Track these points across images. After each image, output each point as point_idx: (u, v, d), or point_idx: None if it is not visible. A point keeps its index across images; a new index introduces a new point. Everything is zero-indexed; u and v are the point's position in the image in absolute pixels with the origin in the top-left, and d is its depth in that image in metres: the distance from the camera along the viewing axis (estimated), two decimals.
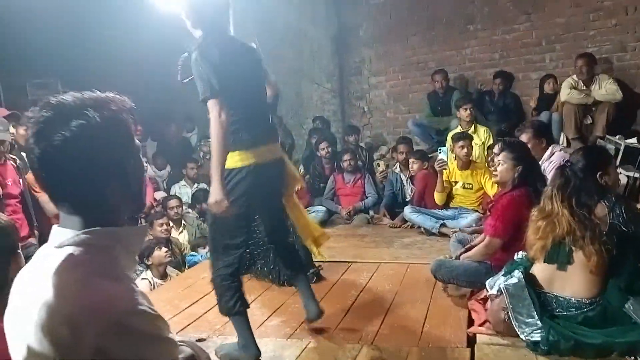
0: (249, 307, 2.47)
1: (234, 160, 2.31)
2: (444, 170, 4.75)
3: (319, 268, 3.58)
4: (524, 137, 3.72)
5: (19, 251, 1.21)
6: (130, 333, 0.90)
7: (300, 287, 2.76)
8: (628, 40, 5.57)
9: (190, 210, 5.29)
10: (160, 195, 5.36)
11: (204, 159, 6.78)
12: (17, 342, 0.93)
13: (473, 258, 3.10)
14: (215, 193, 2.21)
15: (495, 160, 3.21)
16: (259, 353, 2.40)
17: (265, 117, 2.49)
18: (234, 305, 2.40)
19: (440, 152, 4.78)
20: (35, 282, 0.92)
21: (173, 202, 4.84)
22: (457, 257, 3.23)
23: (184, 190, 5.78)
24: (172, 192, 5.69)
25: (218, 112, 2.20)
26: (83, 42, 5.73)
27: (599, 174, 2.50)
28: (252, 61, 2.45)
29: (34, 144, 0.94)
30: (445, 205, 4.87)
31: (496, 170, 3.15)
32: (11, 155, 3.83)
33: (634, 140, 4.13)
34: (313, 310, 2.66)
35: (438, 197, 4.83)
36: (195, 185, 5.85)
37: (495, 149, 3.33)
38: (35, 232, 3.77)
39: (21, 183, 3.78)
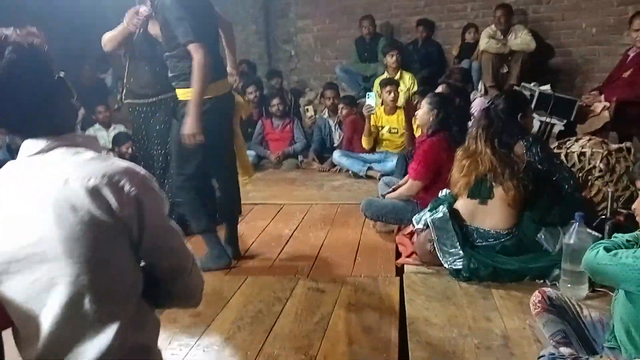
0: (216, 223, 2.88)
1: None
2: (371, 115, 4.87)
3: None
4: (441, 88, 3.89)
5: None
6: (153, 190, 1.12)
7: (229, 228, 2.94)
8: None
9: (110, 153, 5.07)
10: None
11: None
12: (46, 234, 1.03)
13: (398, 198, 3.27)
14: (192, 127, 2.48)
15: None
16: (230, 260, 2.82)
17: (219, 54, 2.76)
18: (207, 221, 2.77)
19: (368, 98, 4.87)
20: (46, 177, 1.04)
21: None
22: (384, 197, 3.41)
23: (100, 134, 5.49)
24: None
25: (203, 55, 2.42)
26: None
27: (519, 115, 2.70)
28: (210, 3, 2.70)
29: None
30: (372, 150, 5.01)
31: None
32: None
33: (547, 87, 4.43)
34: (231, 251, 2.89)
35: (365, 141, 4.95)
36: (113, 127, 5.59)
37: (441, 89, 3.53)
38: None
39: None
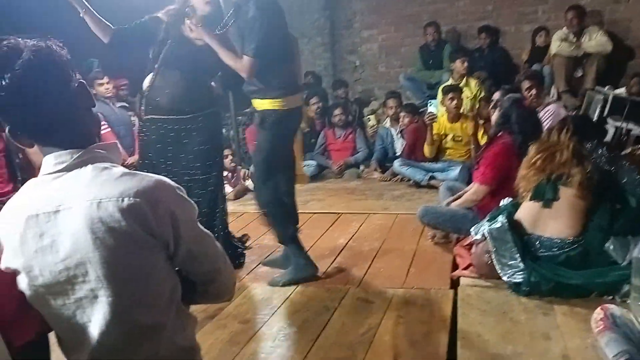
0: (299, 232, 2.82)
1: (274, 104, 2.62)
2: (433, 123, 4.76)
3: (244, 249, 3.29)
4: (525, 84, 3.75)
5: None
6: (185, 200, 1.12)
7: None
8: None
9: None
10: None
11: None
12: (81, 257, 1.03)
13: (462, 205, 3.15)
14: (202, 35, 2.64)
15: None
16: (317, 269, 2.77)
17: (297, 69, 2.86)
18: (292, 233, 2.74)
19: (430, 105, 4.77)
20: (76, 195, 1.03)
21: None
22: (447, 205, 3.29)
23: None
24: None
25: (250, 72, 2.54)
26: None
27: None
28: (285, 21, 2.70)
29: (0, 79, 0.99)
30: (435, 158, 4.89)
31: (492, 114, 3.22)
32: None
33: (622, 91, 4.13)
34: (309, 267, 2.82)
35: (427, 150, 4.85)
36: None
37: (497, 95, 3.41)
38: (19, 186, 3.73)
39: (4, 137, 3.74)
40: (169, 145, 2.84)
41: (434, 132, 4.80)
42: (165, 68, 2.75)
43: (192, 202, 1.15)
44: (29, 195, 1.09)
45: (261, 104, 2.67)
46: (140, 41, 2.76)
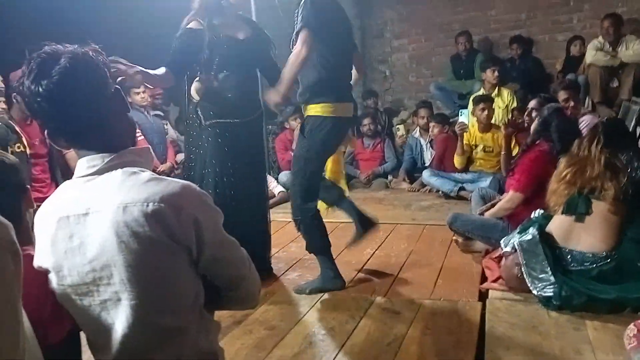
0: (331, 245, 2.76)
1: (320, 109, 2.56)
2: (464, 134, 4.72)
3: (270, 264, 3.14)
4: (562, 95, 3.70)
5: (27, 186, 1.33)
6: (210, 206, 1.13)
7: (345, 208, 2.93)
8: None
9: None
10: (181, 157, 5.43)
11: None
12: (109, 262, 1.06)
13: (495, 214, 3.13)
14: (278, 94, 2.50)
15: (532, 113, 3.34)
16: (344, 282, 2.74)
17: (349, 78, 2.73)
18: (322, 244, 2.71)
19: (461, 115, 4.73)
20: (104, 199, 1.06)
21: None
22: (480, 214, 3.26)
23: None
24: None
25: (304, 43, 2.40)
26: (89, 6, 5.70)
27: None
28: (349, 28, 2.74)
29: (37, 86, 1.04)
30: (465, 169, 4.84)
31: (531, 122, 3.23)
32: None
33: None
34: (368, 220, 2.92)
35: (458, 161, 4.81)
36: None
37: (533, 103, 3.40)
38: None
39: (48, 143, 3.88)
40: (234, 149, 2.79)
41: (465, 142, 4.76)
42: (223, 71, 2.72)
43: (217, 208, 1.16)
44: (62, 197, 1.13)
45: (310, 109, 2.61)
46: (191, 60, 2.70)
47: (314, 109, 2.58)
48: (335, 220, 3.86)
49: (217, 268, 1.18)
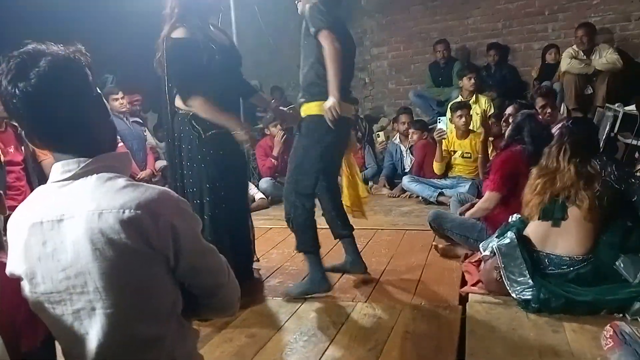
0: (320, 247, 2.74)
1: (319, 108, 2.52)
2: (443, 140, 4.77)
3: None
4: (539, 102, 3.77)
5: (1, 192, 1.28)
6: (188, 213, 1.11)
7: (347, 243, 2.96)
8: (632, 10, 5.50)
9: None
10: (160, 164, 5.38)
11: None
12: (80, 266, 1.03)
13: (474, 215, 3.17)
14: (333, 101, 2.44)
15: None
16: (331, 285, 2.71)
17: (350, 78, 2.76)
18: (312, 244, 2.69)
19: (439, 122, 4.79)
20: (79, 205, 1.03)
21: None
22: (461, 214, 3.31)
23: None
24: None
25: (332, 40, 2.43)
26: (78, 11, 5.66)
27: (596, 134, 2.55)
28: (348, 31, 2.77)
29: (14, 87, 1.01)
30: (444, 175, 4.89)
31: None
32: (13, 122, 3.84)
33: (632, 108, 4.12)
34: (360, 265, 2.90)
35: (437, 167, 4.85)
36: None
37: (510, 110, 3.51)
38: None
39: (23, 150, 3.81)
40: (229, 159, 2.69)
41: (443, 148, 4.81)
42: (222, 81, 2.62)
43: (196, 215, 1.14)
44: (36, 203, 1.10)
45: (308, 108, 2.60)
46: (199, 72, 2.52)
47: (313, 108, 2.56)
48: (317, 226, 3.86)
49: (195, 276, 1.15)
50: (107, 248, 1.01)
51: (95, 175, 1.07)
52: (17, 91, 1.00)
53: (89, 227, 1.01)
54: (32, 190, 3.65)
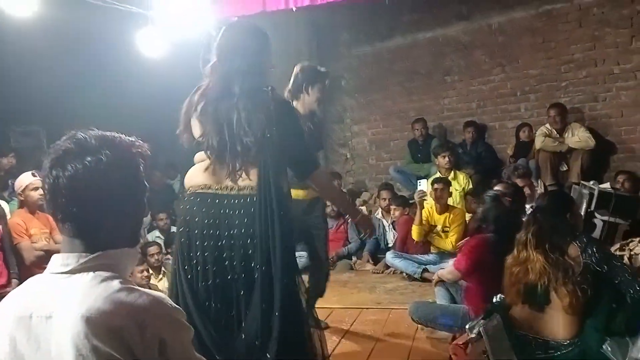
0: None
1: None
2: (424, 203, 4.80)
3: None
4: (519, 183, 3.85)
5: None
6: (179, 324, 1.08)
7: None
8: (599, 91, 5.78)
9: (170, 257, 5.21)
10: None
11: None
12: None
13: (441, 276, 3.32)
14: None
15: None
16: None
17: None
18: None
19: (419, 185, 4.85)
20: (69, 304, 1.01)
21: (153, 249, 4.77)
22: (435, 284, 3.44)
23: (159, 241, 5.66)
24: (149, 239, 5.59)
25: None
26: (68, 91, 5.79)
27: (567, 215, 2.58)
28: None
29: (49, 168, 1.05)
30: (427, 250, 4.89)
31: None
32: None
33: (607, 185, 4.25)
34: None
35: (416, 231, 4.79)
36: (173, 229, 5.77)
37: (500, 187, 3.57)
38: (14, 280, 3.67)
39: (0, 229, 3.73)
40: None
41: (424, 218, 4.82)
42: None
43: (188, 325, 1.11)
44: (28, 294, 1.08)
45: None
46: None
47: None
48: None
49: None
50: (91, 356, 0.97)
51: (92, 274, 1.05)
52: (51, 174, 1.04)
53: (77, 331, 0.98)
54: (8, 270, 3.60)
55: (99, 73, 5.82)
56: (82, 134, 1.08)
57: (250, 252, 1.93)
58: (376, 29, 6.99)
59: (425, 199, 4.82)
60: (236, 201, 1.97)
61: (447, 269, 3.31)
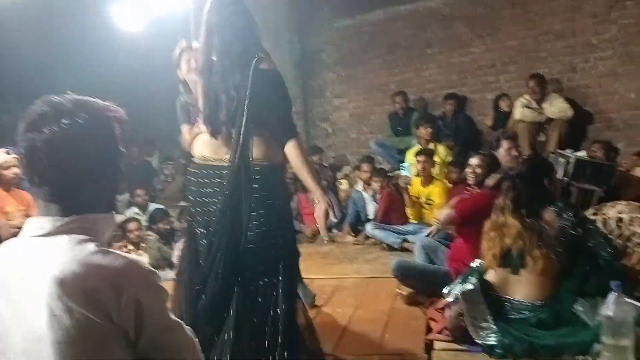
0: None
1: None
2: (408, 187, 4.86)
3: None
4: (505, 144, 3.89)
5: None
6: (156, 287, 1.07)
7: None
8: (577, 62, 5.81)
9: (150, 232, 5.17)
10: (119, 218, 5.25)
11: (166, 182, 6.73)
12: (34, 328, 0.99)
13: (439, 215, 3.36)
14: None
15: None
16: None
17: None
18: None
19: (403, 170, 4.89)
20: (44, 266, 0.99)
21: (132, 225, 4.72)
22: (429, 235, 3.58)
23: (138, 217, 5.58)
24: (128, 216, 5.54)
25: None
26: (46, 67, 5.67)
27: (545, 181, 2.61)
28: None
29: (25, 132, 1.03)
30: (406, 221, 4.94)
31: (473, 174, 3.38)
32: None
33: (583, 153, 4.31)
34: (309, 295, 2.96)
35: (410, 212, 4.91)
36: (152, 205, 5.73)
37: (476, 161, 3.55)
38: None
39: None
40: None
41: (412, 193, 4.88)
42: None
43: (165, 288, 1.10)
44: (4, 256, 1.07)
45: None
46: None
47: None
48: None
49: (157, 352, 1.09)
50: (64, 316, 0.96)
51: (67, 237, 1.03)
52: (26, 137, 1.02)
53: (50, 292, 0.96)
54: None
55: (77, 48, 5.70)
56: (56, 97, 1.07)
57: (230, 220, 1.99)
58: (357, 2, 6.92)
59: (410, 184, 4.88)
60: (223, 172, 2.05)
61: (444, 210, 3.32)
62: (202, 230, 2.11)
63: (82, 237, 1.04)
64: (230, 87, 2.03)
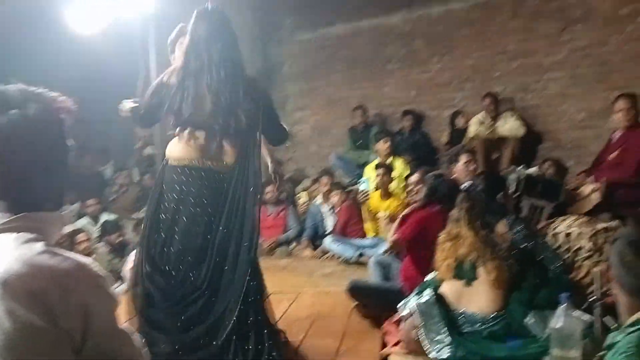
0: None
1: None
2: (367, 201, 4.90)
3: None
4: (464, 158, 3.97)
5: None
6: (105, 291, 1.02)
7: None
8: (529, 82, 6.01)
9: (99, 245, 5.00)
10: (67, 229, 5.05)
11: (119, 192, 6.53)
12: None
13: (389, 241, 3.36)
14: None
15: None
16: None
17: None
18: None
19: (361, 184, 4.93)
20: None
21: (81, 237, 4.56)
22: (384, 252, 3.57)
23: (89, 228, 5.41)
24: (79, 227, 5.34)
25: None
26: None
27: (498, 195, 2.68)
28: None
29: None
30: (364, 235, 4.97)
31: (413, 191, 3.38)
32: None
33: (534, 170, 4.47)
34: None
35: (369, 227, 4.94)
36: (104, 216, 5.56)
37: (416, 177, 3.58)
38: None
39: None
40: None
41: (369, 209, 4.91)
42: None
43: (114, 294, 1.05)
44: None
45: None
46: None
47: None
48: None
49: (101, 358, 1.04)
50: (6, 319, 0.91)
51: (14, 235, 0.98)
52: None
53: None
54: None
55: (29, 53, 5.49)
56: (3, 86, 1.02)
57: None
58: (319, 16, 6.97)
59: (368, 199, 4.94)
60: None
61: (389, 235, 3.37)
62: (166, 235, 2.30)
63: (30, 235, 0.99)
64: (227, 98, 2.26)
